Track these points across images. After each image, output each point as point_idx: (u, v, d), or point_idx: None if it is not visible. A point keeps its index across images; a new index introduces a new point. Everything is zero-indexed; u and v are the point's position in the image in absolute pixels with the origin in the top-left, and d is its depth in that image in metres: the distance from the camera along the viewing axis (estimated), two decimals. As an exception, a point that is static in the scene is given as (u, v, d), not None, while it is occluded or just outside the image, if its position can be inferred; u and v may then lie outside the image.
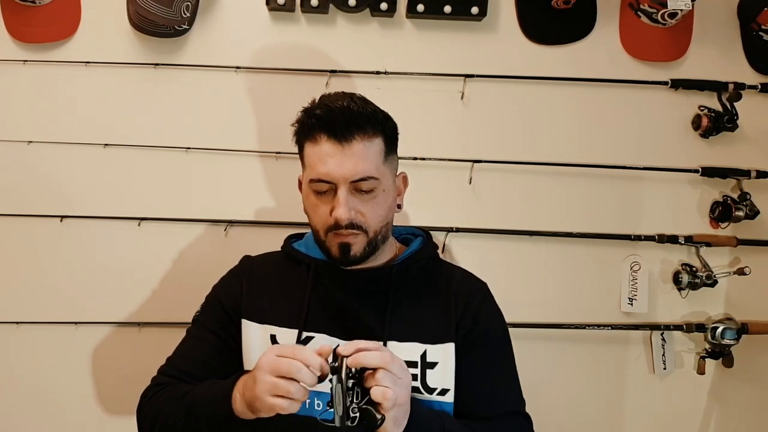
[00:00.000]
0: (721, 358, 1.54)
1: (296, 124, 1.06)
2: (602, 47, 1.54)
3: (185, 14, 1.46)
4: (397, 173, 1.12)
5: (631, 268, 1.56)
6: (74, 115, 1.53)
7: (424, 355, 1.05)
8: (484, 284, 1.17)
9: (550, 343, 1.56)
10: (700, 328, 1.54)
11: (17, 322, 1.53)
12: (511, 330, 1.16)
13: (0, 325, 1.53)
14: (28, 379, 1.55)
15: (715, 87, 1.53)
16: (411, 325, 1.06)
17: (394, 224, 1.24)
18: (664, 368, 1.56)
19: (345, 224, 1.00)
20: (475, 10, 1.48)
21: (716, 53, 1.55)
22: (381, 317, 1.06)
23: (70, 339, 1.54)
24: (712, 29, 1.55)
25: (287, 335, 1.07)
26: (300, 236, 1.20)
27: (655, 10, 1.47)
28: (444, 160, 1.52)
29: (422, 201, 1.52)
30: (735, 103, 1.50)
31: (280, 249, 1.18)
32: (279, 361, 0.88)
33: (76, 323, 1.53)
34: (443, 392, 1.05)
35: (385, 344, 1.04)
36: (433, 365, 1.05)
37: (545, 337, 1.55)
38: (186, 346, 1.15)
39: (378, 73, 1.51)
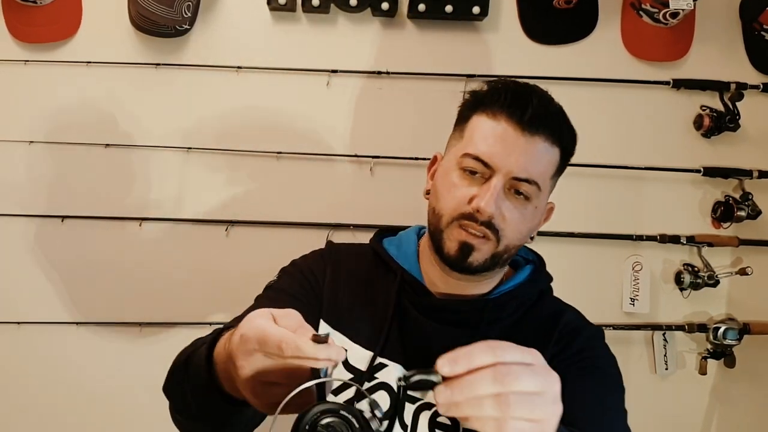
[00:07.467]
0: (722, 359, 1.54)
1: (472, 93, 0.91)
2: (604, 47, 1.54)
3: (186, 14, 1.46)
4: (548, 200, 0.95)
5: (632, 268, 1.56)
6: (75, 116, 1.53)
7: None
8: (600, 329, 0.98)
9: (551, 344, 1.56)
10: (702, 328, 1.53)
11: (18, 322, 1.53)
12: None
13: (1, 326, 1.53)
14: (29, 379, 1.55)
15: (717, 87, 1.52)
16: None
17: None
18: (666, 368, 1.56)
19: (483, 219, 0.84)
20: (476, 10, 1.48)
21: (718, 53, 1.55)
22: None
23: (72, 339, 1.53)
24: (714, 29, 1.55)
25: (359, 355, 0.91)
26: (394, 232, 1.04)
27: (656, 10, 1.47)
28: (445, 160, 1.52)
29: (425, 202, 1.52)
30: (737, 103, 1.50)
31: (368, 242, 1.02)
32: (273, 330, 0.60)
33: (77, 323, 1.53)
34: None
35: None
36: None
37: (547, 337, 1.55)
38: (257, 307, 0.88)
39: (379, 73, 1.51)
